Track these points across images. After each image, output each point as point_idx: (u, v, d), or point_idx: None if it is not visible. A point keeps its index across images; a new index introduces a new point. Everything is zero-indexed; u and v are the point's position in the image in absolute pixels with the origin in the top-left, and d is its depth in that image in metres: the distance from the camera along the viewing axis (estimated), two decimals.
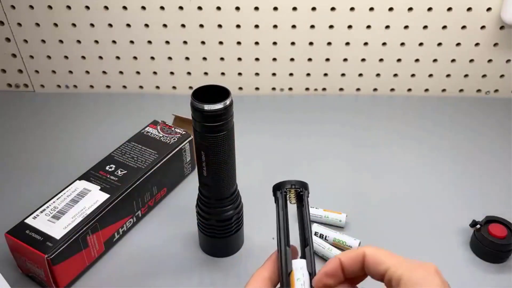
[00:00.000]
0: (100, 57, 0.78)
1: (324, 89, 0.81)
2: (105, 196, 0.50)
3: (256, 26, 0.73)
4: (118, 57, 0.77)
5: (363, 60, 0.77)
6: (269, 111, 0.77)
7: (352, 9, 0.71)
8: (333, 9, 0.71)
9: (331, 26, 0.73)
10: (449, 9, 0.71)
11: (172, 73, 0.79)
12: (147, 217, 0.56)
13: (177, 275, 0.49)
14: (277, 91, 0.81)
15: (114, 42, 0.76)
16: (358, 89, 0.81)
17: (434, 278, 0.29)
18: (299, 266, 0.31)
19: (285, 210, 0.34)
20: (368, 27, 0.73)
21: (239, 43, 0.75)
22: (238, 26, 0.73)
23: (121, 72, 0.79)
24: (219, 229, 0.48)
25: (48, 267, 0.44)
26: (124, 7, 0.72)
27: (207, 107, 0.40)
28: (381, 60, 0.77)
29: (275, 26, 0.73)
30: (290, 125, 0.73)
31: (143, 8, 0.72)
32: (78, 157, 0.65)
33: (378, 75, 0.79)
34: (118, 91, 0.81)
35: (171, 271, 0.49)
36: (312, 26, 0.73)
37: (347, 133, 0.71)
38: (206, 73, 0.79)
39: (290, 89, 0.81)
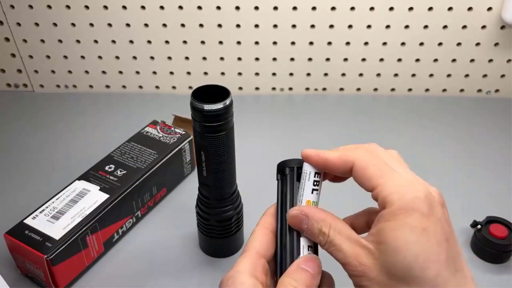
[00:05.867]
0: (100, 57, 0.77)
1: (324, 89, 0.81)
2: (105, 196, 0.50)
3: (256, 26, 0.73)
4: (117, 57, 0.77)
5: (363, 60, 0.77)
6: (269, 111, 0.77)
7: (352, 8, 0.71)
8: (333, 8, 0.71)
9: (331, 26, 0.73)
10: (450, 8, 0.70)
11: (171, 73, 0.79)
12: (146, 217, 0.56)
13: (177, 276, 0.49)
14: (277, 91, 0.81)
15: (113, 42, 0.76)
16: (358, 89, 0.81)
17: (420, 206, 0.25)
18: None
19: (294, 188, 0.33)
20: (369, 26, 0.73)
21: (239, 43, 0.75)
22: (238, 26, 0.73)
23: (120, 72, 0.79)
24: (219, 230, 0.48)
25: (47, 268, 0.44)
26: (124, 7, 0.71)
27: (207, 107, 0.40)
28: (381, 60, 0.76)
29: (275, 26, 0.73)
30: (290, 125, 0.73)
31: (143, 7, 0.72)
32: (78, 157, 0.65)
33: (378, 75, 0.79)
34: (118, 91, 0.81)
35: (171, 271, 0.49)
36: (312, 26, 0.73)
37: (347, 133, 0.71)
38: (206, 73, 0.79)
39: (290, 89, 0.81)
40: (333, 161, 0.30)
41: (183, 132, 0.60)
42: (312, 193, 0.32)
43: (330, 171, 0.31)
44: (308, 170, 0.32)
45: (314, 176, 0.32)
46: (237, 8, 0.71)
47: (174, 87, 0.81)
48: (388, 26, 0.73)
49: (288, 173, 0.33)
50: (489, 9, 0.70)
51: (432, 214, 0.25)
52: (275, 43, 0.75)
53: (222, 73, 0.79)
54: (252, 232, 0.32)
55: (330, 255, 0.29)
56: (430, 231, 0.25)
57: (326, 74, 0.79)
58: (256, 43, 0.75)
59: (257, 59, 0.77)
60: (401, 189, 0.26)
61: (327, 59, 0.77)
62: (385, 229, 0.25)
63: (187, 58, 0.77)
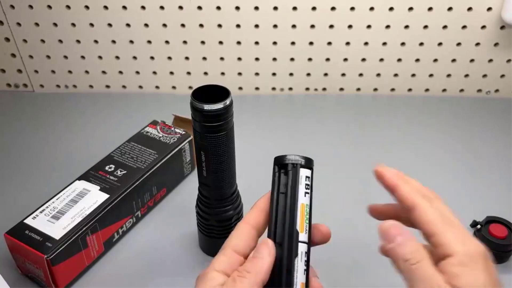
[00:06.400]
0: (100, 57, 0.77)
1: (324, 89, 0.81)
2: (105, 196, 0.50)
3: (256, 26, 0.73)
4: (117, 57, 0.77)
5: (363, 60, 0.77)
6: (269, 111, 0.77)
7: (352, 8, 0.71)
8: (333, 8, 0.71)
9: (331, 26, 0.73)
10: (450, 8, 0.71)
11: (171, 73, 0.79)
12: (146, 217, 0.56)
13: (176, 276, 0.49)
14: (277, 91, 0.81)
15: (113, 42, 0.76)
16: (358, 89, 0.81)
17: (481, 257, 0.28)
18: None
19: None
20: (369, 26, 0.73)
21: (239, 43, 0.75)
22: (238, 26, 0.73)
23: (120, 72, 0.79)
24: (219, 230, 0.48)
25: (47, 268, 0.44)
26: (124, 7, 0.71)
27: (207, 107, 0.40)
28: (381, 60, 0.76)
29: (275, 26, 0.73)
30: (290, 125, 0.73)
31: (143, 8, 0.72)
32: (78, 157, 0.65)
33: (378, 75, 0.79)
34: (118, 91, 0.81)
35: (171, 271, 0.49)
36: (312, 26, 0.73)
37: (347, 133, 0.71)
38: (206, 73, 0.79)
39: (290, 89, 0.81)
40: (401, 193, 0.32)
41: (183, 132, 0.60)
42: (305, 196, 0.32)
43: (394, 197, 0.33)
44: (301, 174, 0.32)
45: (305, 180, 0.32)
46: (237, 8, 0.71)
47: (174, 87, 0.81)
48: (388, 26, 0.73)
49: (291, 169, 0.32)
50: (489, 9, 0.70)
51: (489, 264, 0.29)
52: (275, 43, 0.75)
53: (222, 73, 0.79)
54: (235, 227, 0.33)
55: (400, 270, 0.29)
56: (493, 276, 0.29)
57: (326, 74, 0.79)
58: (256, 43, 0.75)
59: (257, 59, 0.77)
60: (463, 241, 0.29)
61: (327, 59, 0.77)
62: (459, 274, 0.27)
63: (187, 58, 0.77)
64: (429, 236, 0.29)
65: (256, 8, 0.71)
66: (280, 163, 0.33)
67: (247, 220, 0.33)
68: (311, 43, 0.75)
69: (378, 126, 0.73)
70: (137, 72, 0.79)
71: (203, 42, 0.75)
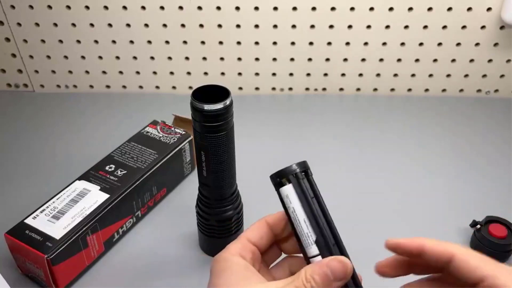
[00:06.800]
0: (100, 57, 0.78)
1: (324, 89, 0.81)
2: (105, 196, 0.50)
3: (256, 26, 0.73)
4: (117, 57, 0.77)
5: (363, 60, 0.77)
6: (269, 111, 0.77)
7: (352, 9, 0.71)
8: (333, 9, 0.71)
9: (331, 26, 0.73)
10: (449, 9, 0.71)
11: (172, 73, 0.79)
12: (147, 217, 0.56)
13: (177, 276, 0.49)
14: (277, 91, 0.81)
15: (113, 42, 0.76)
16: (358, 89, 0.81)
17: None
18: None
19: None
20: (368, 27, 0.73)
21: (239, 43, 0.75)
22: (238, 26, 0.73)
23: (120, 72, 0.79)
24: (219, 229, 0.48)
25: (48, 267, 0.44)
26: (124, 7, 0.72)
27: (207, 107, 0.40)
28: (381, 60, 0.77)
29: (275, 26, 0.73)
30: (290, 125, 0.73)
31: (143, 8, 0.72)
32: (78, 157, 0.65)
33: (378, 75, 0.79)
34: (118, 91, 0.81)
35: (171, 271, 0.49)
36: (312, 26, 0.73)
37: (347, 133, 0.71)
38: (206, 73, 0.79)
39: (290, 89, 0.81)
40: (431, 247, 0.29)
41: (183, 132, 0.60)
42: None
43: (425, 258, 0.29)
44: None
45: None
46: (237, 8, 0.71)
47: (174, 87, 0.81)
48: (388, 26, 0.73)
49: (311, 174, 0.32)
50: (489, 9, 0.70)
51: None
52: (275, 43, 0.75)
53: (222, 73, 0.79)
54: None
55: None
56: None
57: (326, 74, 0.79)
58: (256, 43, 0.75)
59: (257, 59, 0.77)
60: None
61: (327, 59, 0.77)
62: None
63: (187, 58, 0.77)
64: (479, 280, 0.26)
65: (256, 8, 0.71)
66: (304, 169, 0.32)
67: (266, 217, 0.34)
68: (311, 43, 0.75)
69: (378, 126, 0.73)
70: (137, 72, 0.79)
71: (203, 42, 0.75)
